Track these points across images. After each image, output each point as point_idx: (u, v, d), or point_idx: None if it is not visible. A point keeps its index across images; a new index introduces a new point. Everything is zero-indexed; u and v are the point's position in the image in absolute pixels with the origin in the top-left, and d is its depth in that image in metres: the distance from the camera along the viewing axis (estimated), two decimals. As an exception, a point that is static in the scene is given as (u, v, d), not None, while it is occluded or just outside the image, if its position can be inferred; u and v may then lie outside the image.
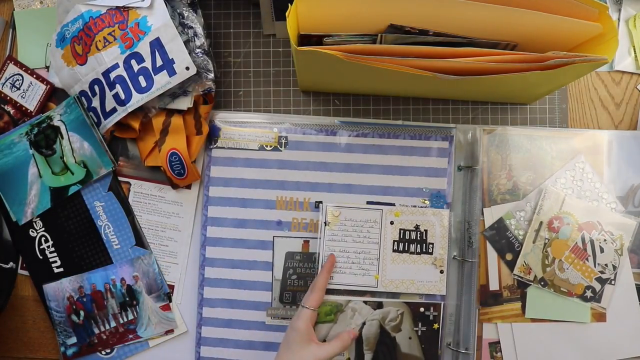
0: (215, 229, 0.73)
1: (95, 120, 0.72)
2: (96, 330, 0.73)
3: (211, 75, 0.69)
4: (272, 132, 0.74)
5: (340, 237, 0.71)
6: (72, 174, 0.73)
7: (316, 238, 0.72)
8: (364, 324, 0.71)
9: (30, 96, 0.75)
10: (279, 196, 0.73)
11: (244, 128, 0.74)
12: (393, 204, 0.72)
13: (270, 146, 0.73)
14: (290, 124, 0.74)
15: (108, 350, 0.73)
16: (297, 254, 0.73)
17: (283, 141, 0.73)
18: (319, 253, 0.71)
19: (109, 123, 0.70)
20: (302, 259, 0.72)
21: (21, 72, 0.75)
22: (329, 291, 0.70)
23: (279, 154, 0.73)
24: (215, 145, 0.74)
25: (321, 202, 0.72)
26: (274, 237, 0.73)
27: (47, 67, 0.76)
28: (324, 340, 0.70)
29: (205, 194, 0.73)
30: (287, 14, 0.53)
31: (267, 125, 0.74)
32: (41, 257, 0.74)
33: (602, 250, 0.71)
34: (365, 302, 0.71)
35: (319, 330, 0.70)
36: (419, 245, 0.71)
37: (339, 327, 0.70)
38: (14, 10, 0.77)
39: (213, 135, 0.74)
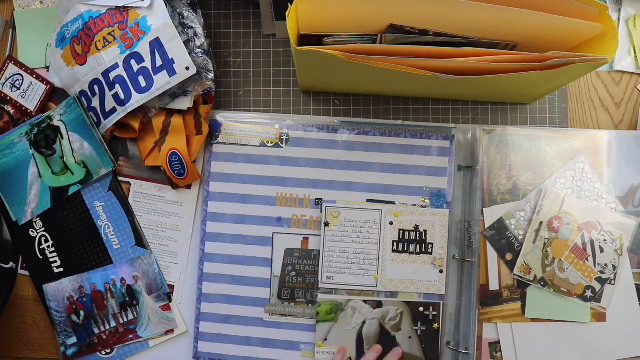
0: (214, 224, 0.73)
1: (95, 120, 0.72)
2: (96, 330, 0.73)
3: (211, 75, 0.69)
4: (274, 128, 0.74)
5: (339, 237, 0.71)
6: (72, 174, 0.73)
7: (316, 235, 0.72)
8: (364, 323, 0.71)
9: (30, 96, 0.75)
10: (279, 193, 0.73)
11: (245, 124, 0.74)
12: (393, 202, 0.72)
13: (272, 142, 0.74)
14: (291, 121, 0.74)
15: (108, 350, 0.73)
16: (296, 251, 0.73)
17: (284, 138, 0.73)
18: (319, 252, 0.71)
19: (109, 123, 0.70)
20: (301, 255, 0.73)
21: (21, 72, 0.75)
22: (330, 291, 0.71)
23: (279, 150, 0.73)
24: (216, 141, 0.74)
25: (321, 199, 0.72)
26: (273, 233, 0.73)
27: (47, 67, 0.76)
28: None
29: (206, 189, 0.73)
30: (287, 14, 0.53)
31: (268, 122, 0.74)
32: (41, 257, 0.74)
33: (602, 250, 0.71)
34: (365, 302, 0.71)
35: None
36: (418, 246, 0.71)
37: (339, 326, 0.70)
38: (14, 10, 0.77)
39: (214, 131, 0.74)
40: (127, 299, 0.73)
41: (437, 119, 0.76)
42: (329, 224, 0.71)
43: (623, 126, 0.76)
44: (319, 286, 0.71)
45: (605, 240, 0.71)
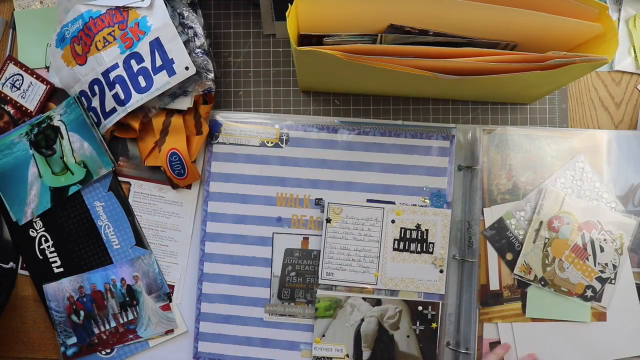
0: (214, 224, 0.73)
1: (95, 120, 0.72)
2: (96, 330, 0.73)
3: (211, 75, 0.69)
4: (274, 128, 0.74)
5: (341, 234, 0.71)
6: (72, 174, 0.73)
7: (316, 235, 0.72)
8: (362, 320, 0.71)
9: (30, 96, 0.75)
10: (279, 193, 0.73)
11: (245, 124, 0.74)
12: (393, 202, 0.72)
13: (272, 142, 0.74)
14: (291, 121, 0.74)
15: (108, 350, 0.73)
16: (296, 251, 0.73)
17: (284, 138, 0.73)
18: (320, 248, 0.71)
19: (108, 123, 0.70)
20: (301, 255, 0.73)
21: (21, 72, 0.75)
22: (329, 287, 0.71)
23: (280, 150, 0.73)
24: (216, 141, 0.74)
25: (321, 199, 0.72)
26: (273, 233, 0.73)
27: (47, 67, 0.76)
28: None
29: (206, 189, 0.74)
30: (287, 14, 0.53)
31: (268, 122, 0.74)
32: (41, 257, 0.74)
33: (602, 250, 0.71)
34: (364, 299, 0.71)
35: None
36: (419, 245, 0.71)
37: (337, 323, 0.71)
38: (14, 10, 0.77)
39: (214, 131, 0.74)
40: (127, 299, 0.73)
41: (437, 119, 0.76)
42: (330, 220, 0.71)
43: (623, 126, 0.76)
44: (319, 282, 0.71)
45: (605, 239, 0.71)
